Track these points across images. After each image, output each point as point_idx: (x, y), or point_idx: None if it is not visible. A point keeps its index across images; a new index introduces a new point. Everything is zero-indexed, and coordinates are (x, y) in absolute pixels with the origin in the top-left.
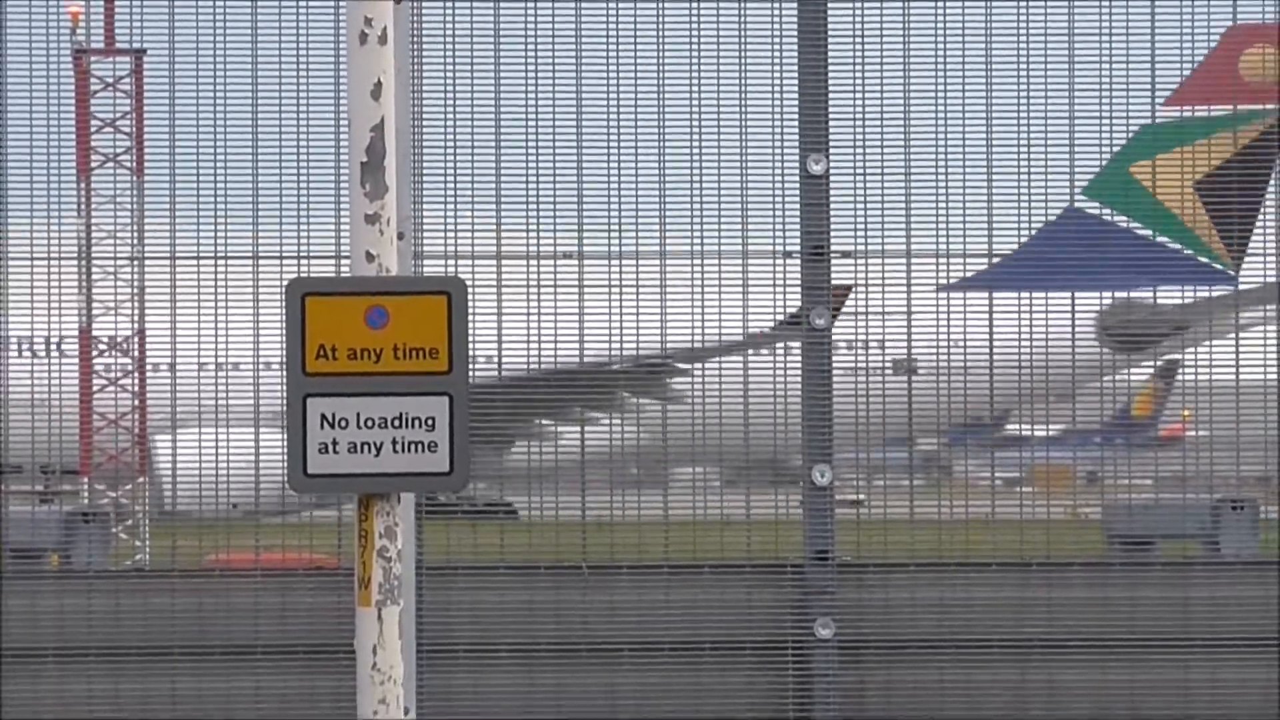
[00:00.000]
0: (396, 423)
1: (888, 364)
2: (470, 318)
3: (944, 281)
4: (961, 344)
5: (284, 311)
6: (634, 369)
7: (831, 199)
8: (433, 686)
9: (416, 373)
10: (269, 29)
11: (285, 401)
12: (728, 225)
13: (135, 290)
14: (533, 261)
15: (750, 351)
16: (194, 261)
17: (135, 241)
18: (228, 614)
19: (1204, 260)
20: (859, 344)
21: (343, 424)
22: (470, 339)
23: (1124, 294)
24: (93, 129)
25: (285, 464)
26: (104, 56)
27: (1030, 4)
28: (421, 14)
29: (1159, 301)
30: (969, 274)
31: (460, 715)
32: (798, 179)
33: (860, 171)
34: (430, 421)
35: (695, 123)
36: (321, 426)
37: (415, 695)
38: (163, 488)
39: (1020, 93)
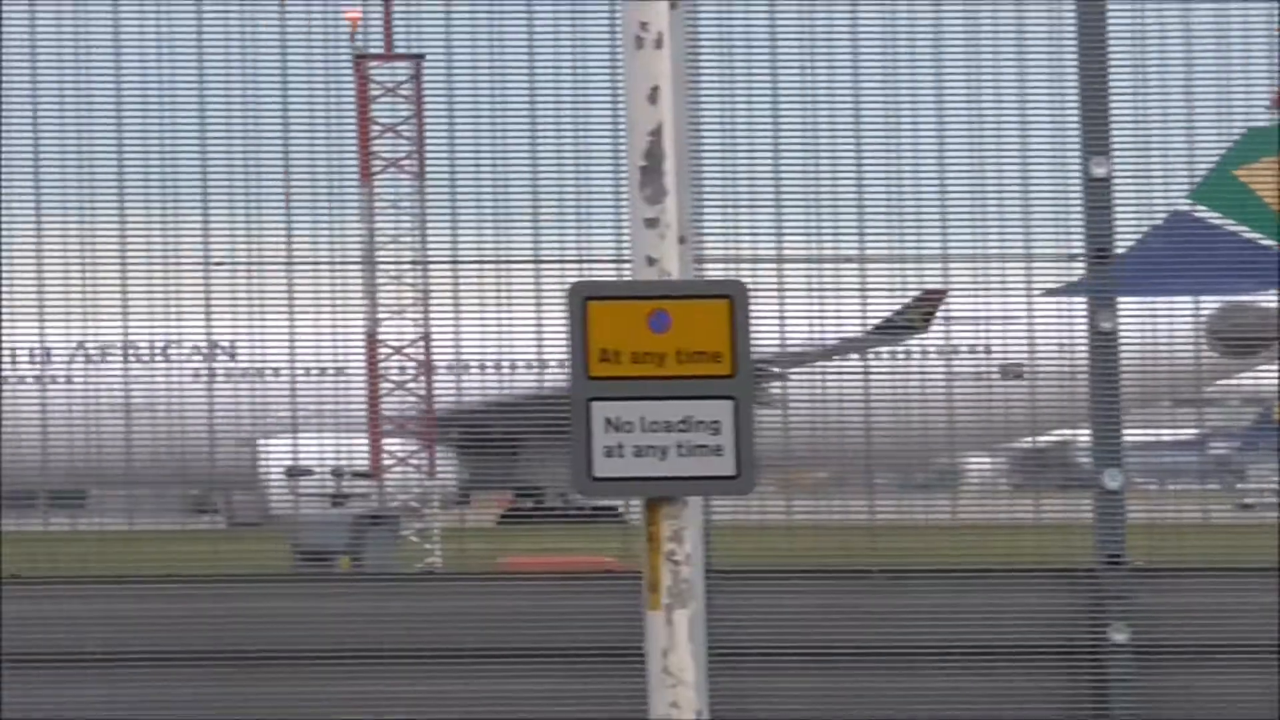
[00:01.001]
0: (681, 426)
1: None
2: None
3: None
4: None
5: (567, 316)
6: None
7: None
8: (725, 689)
9: (700, 376)
10: (545, 33)
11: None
12: (1009, 228)
13: (418, 295)
14: (814, 265)
15: (1032, 353)
16: (476, 266)
17: (418, 247)
18: (517, 617)
19: None
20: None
21: (627, 427)
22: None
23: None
24: (373, 134)
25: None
26: (384, 62)
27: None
28: (698, 17)
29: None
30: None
31: (752, 718)
32: (1079, 181)
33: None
34: (715, 425)
35: (975, 125)
36: (606, 430)
37: (708, 698)
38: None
39: None
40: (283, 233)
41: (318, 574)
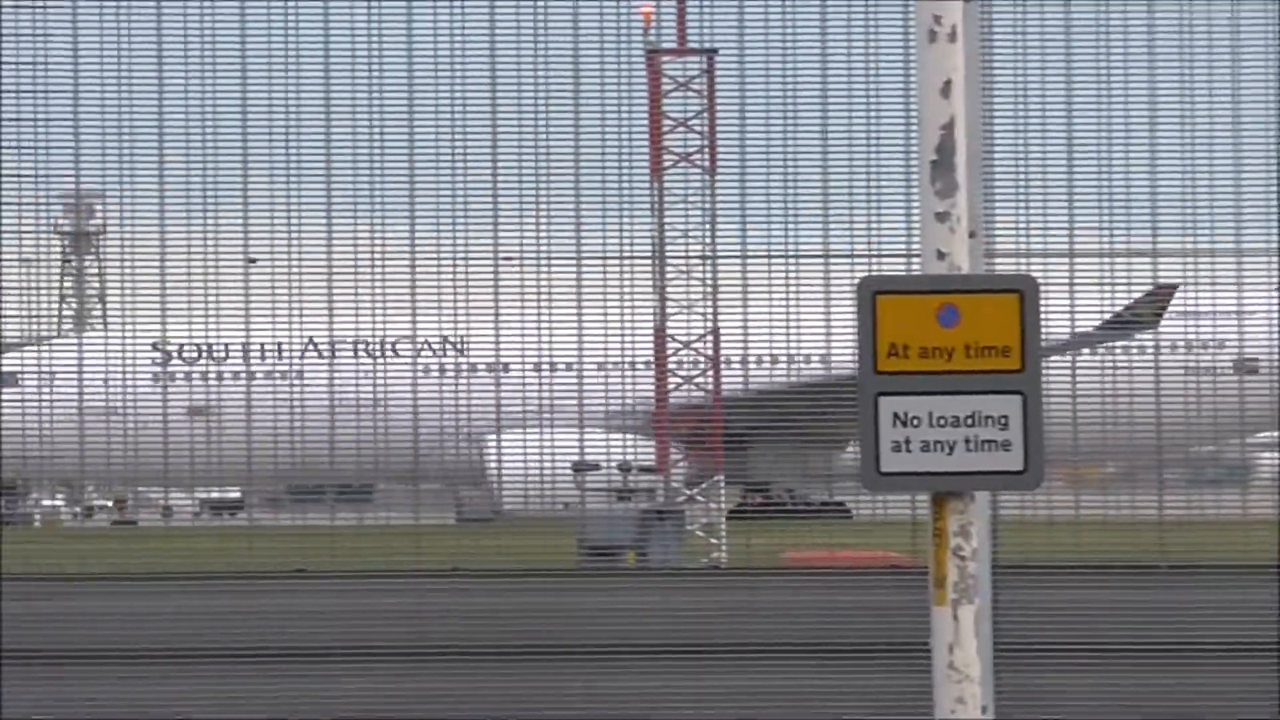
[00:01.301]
0: (969, 421)
1: None
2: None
3: None
4: None
5: (855, 310)
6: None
7: None
8: (1011, 685)
9: (988, 371)
10: (838, 27)
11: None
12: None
13: (708, 290)
14: (1105, 259)
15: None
16: (764, 261)
17: (708, 240)
18: (802, 612)
19: None
20: None
21: (915, 422)
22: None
23: None
24: (665, 129)
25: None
26: (676, 57)
27: None
28: (991, 11)
29: None
30: None
31: (1039, 715)
32: None
33: None
34: (1003, 420)
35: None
36: (894, 425)
37: (993, 694)
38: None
39: None
40: (572, 227)
41: (604, 569)
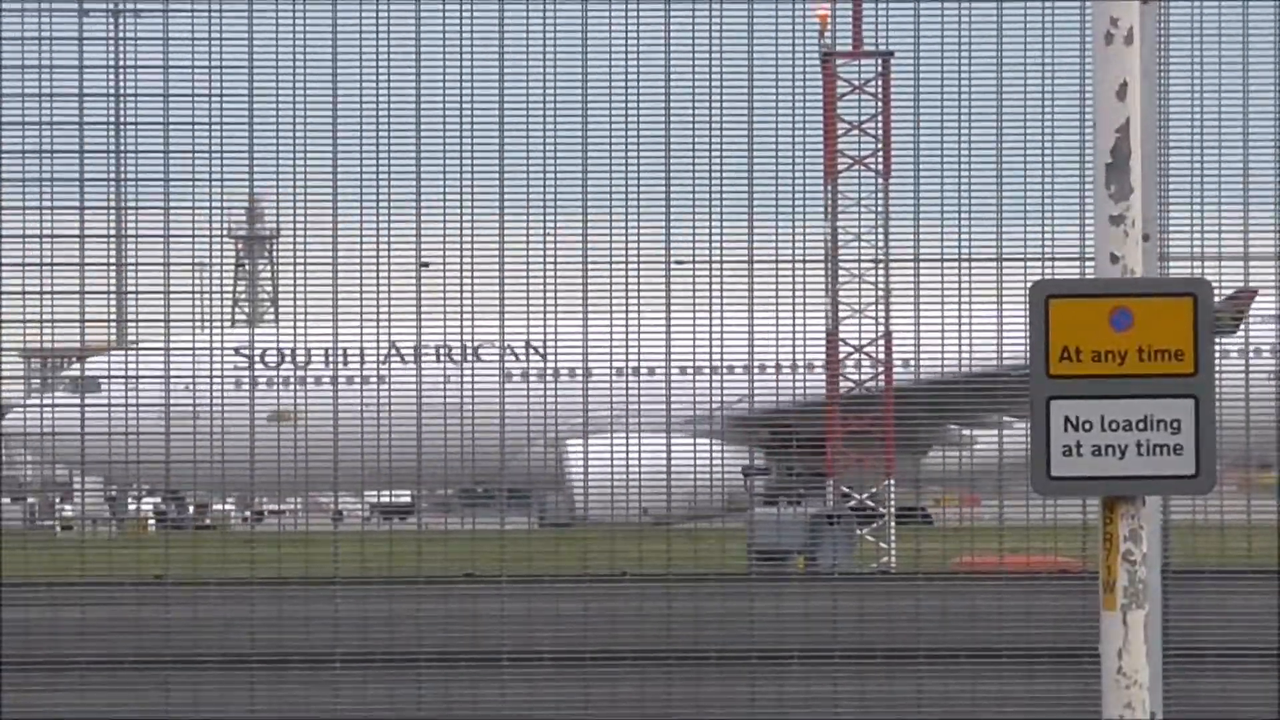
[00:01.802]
0: (1141, 425)
1: None
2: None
3: None
4: None
5: (1027, 314)
6: None
7: None
8: (1180, 691)
9: (1161, 375)
10: (1014, 29)
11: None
12: None
13: (880, 294)
14: None
15: None
16: (938, 264)
17: (880, 244)
18: (971, 617)
19: None
20: None
21: (1086, 426)
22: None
23: None
24: (839, 131)
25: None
26: (851, 59)
27: None
28: (1169, 13)
29: None
30: None
31: None
32: None
33: None
34: (1175, 424)
35: None
36: (1065, 429)
37: (1161, 699)
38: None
39: None
40: (744, 230)
41: (773, 573)
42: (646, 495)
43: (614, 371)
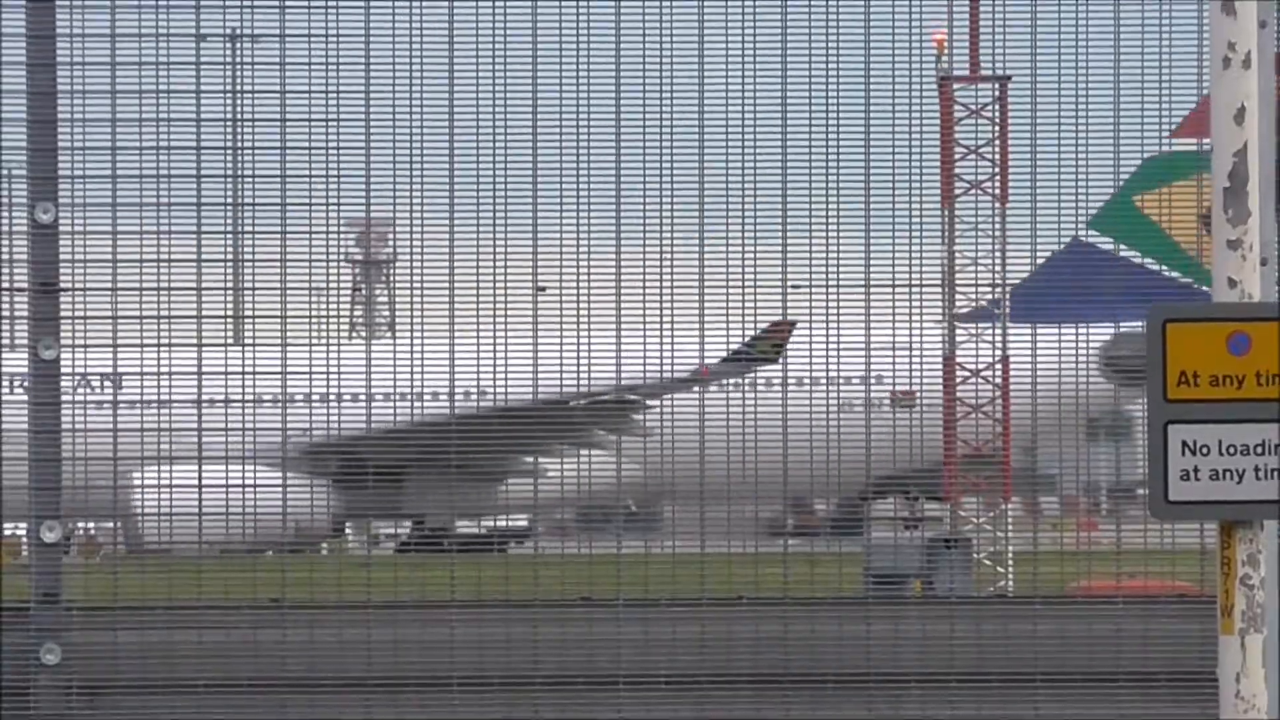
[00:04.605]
0: (1259, 449)
1: None
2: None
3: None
4: None
5: (1146, 338)
6: None
7: None
8: None
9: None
10: (1131, 54)
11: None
12: None
13: (998, 318)
14: None
15: None
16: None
17: (998, 269)
18: (1090, 641)
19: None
20: None
21: (1204, 451)
22: None
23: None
24: (956, 156)
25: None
26: (968, 83)
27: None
28: None
29: None
30: None
31: None
32: None
33: None
34: None
35: None
36: (1183, 453)
37: None
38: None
39: None
40: (861, 254)
41: (890, 597)
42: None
43: (729, 391)
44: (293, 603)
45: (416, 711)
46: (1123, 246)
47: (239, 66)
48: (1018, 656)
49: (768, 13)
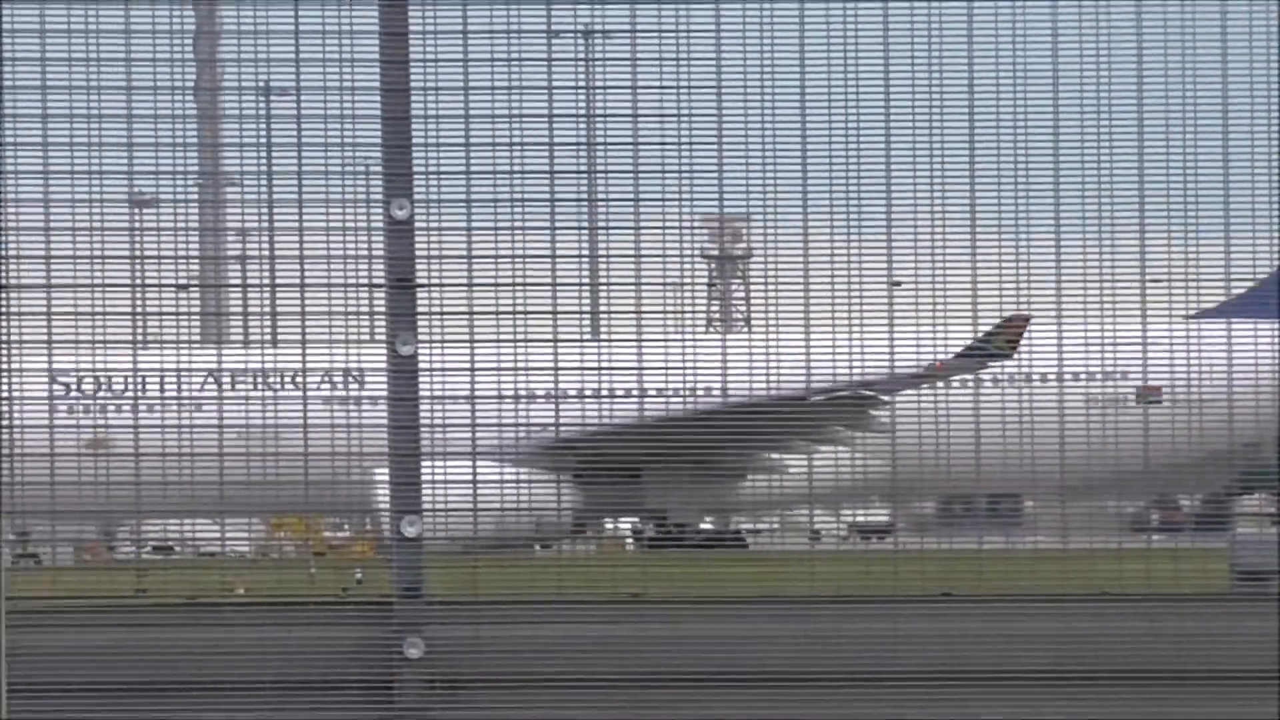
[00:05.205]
0: None
1: None
2: None
3: None
4: None
5: None
6: None
7: None
8: None
9: None
10: None
11: None
12: None
13: None
14: None
15: None
16: None
17: None
18: None
19: None
20: None
21: None
22: None
23: None
24: None
25: None
26: None
27: None
28: None
29: None
30: None
31: None
32: None
33: None
34: None
35: None
36: None
37: None
38: None
39: None
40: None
41: (1252, 594)
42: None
43: (1088, 380)
44: (652, 598)
45: (770, 708)
46: None
47: (591, 62)
48: None
49: (1121, 12)
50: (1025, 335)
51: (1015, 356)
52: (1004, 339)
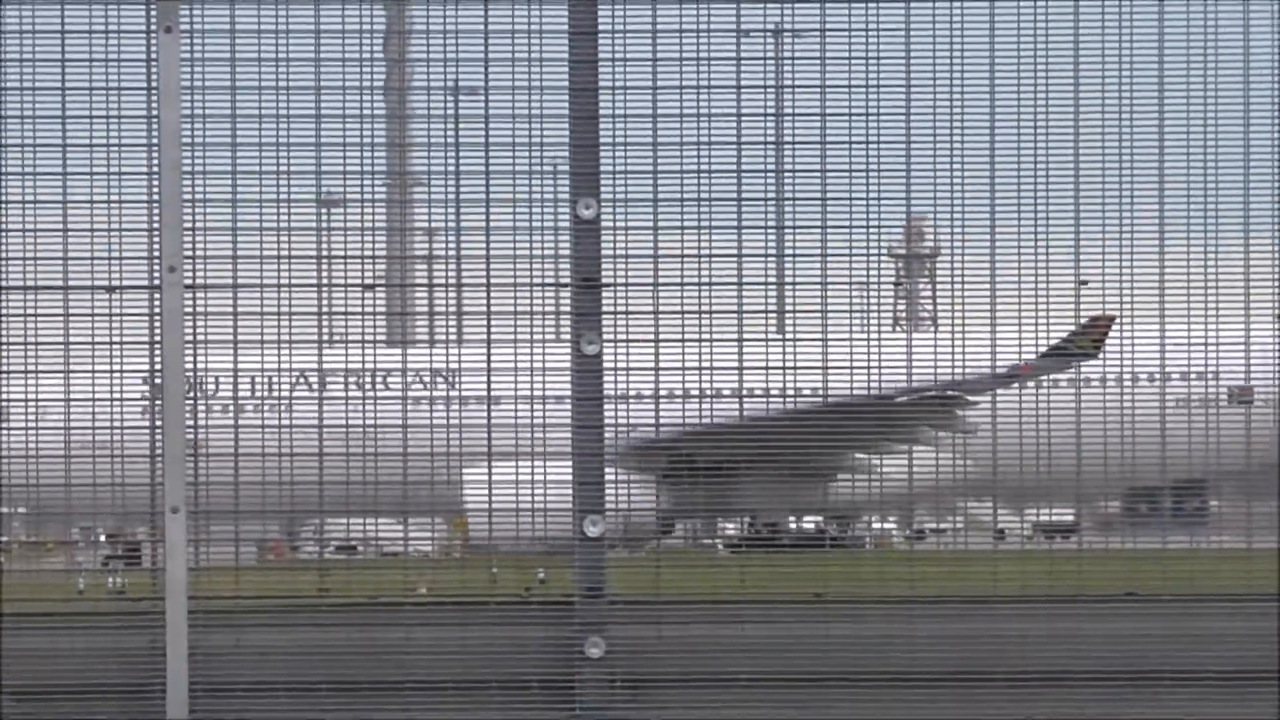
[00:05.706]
0: None
1: None
2: None
3: None
4: None
5: None
6: None
7: None
8: None
9: None
10: None
11: None
12: None
13: None
14: None
15: None
16: None
17: None
18: None
19: None
20: None
21: None
22: None
23: None
24: None
25: None
26: None
27: None
28: None
29: None
30: None
31: None
32: None
33: None
34: None
35: None
36: None
37: None
38: None
39: None
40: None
41: None
42: None
43: None
44: (835, 598)
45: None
46: None
47: (780, 61)
48: None
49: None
50: (1109, 335)
51: (1101, 357)
52: (1089, 339)
